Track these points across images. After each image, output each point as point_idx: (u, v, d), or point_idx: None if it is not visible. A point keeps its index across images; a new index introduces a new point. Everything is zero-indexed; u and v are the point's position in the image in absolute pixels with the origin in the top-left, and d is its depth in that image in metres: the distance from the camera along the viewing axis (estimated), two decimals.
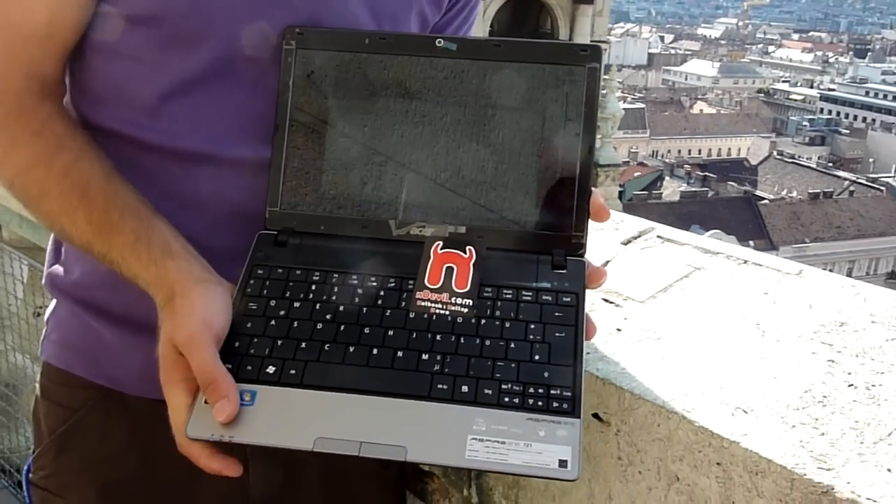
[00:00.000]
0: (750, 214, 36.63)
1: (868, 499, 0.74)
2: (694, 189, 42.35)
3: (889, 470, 0.76)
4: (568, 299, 0.82)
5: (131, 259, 0.84)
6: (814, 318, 1.02)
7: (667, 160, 52.11)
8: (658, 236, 1.28)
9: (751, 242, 32.21)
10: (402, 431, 0.74)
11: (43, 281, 1.08)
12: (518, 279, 0.83)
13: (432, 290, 0.82)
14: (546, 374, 0.76)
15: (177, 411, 0.77)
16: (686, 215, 34.19)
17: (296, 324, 0.81)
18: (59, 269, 1.02)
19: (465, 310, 0.81)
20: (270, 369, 0.78)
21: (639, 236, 1.28)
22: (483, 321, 0.80)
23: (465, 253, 0.84)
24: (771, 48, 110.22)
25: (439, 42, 0.88)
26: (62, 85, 0.95)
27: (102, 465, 1.01)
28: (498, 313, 0.81)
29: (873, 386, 0.88)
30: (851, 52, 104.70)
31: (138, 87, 0.91)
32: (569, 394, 0.75)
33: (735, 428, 0.83)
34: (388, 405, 0.76)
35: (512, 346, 0.78)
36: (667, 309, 1.06)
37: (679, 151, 57.23)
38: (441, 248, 0.85)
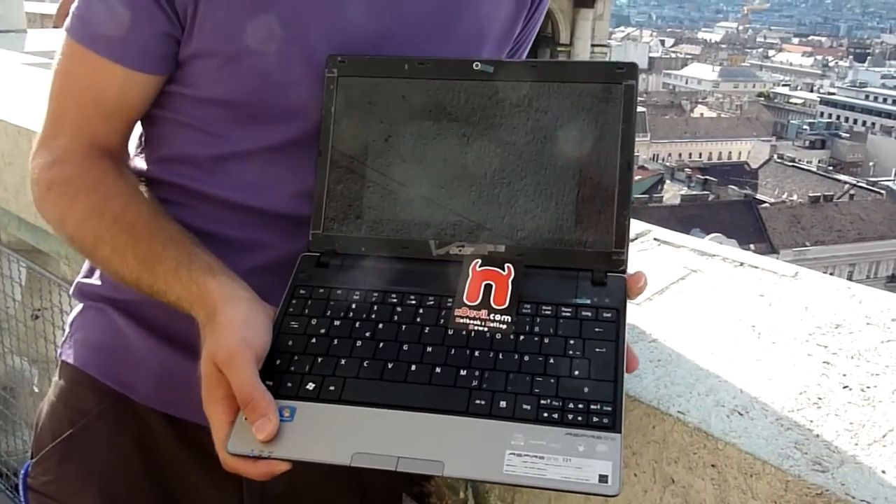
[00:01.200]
0: (750, 218, 36.62)
1: (862, 500, 0.73)
2: (695, 192, 42.33)
3: (884, 472, 0.76)
4: (608, 315, 0.81)
5: (174, 283, 0.85)
6: (809, 319, 1.02)
7: (667, 164, 52.08)
8: (654, 239, 1.29)
9: (751, 246, 32.18)
10: (440, 446, 0.74)
11: (71, 290, 1.09)
12: (557, 296, 0.83)
13: (471, 308, 0.82)
14: (586, 390, 0.75)
15: (218, 428, 0.77)
16: (687, 219, 34.18)
17: (336, 341, 0.82)
18: (93, 280, 1.04)
19: (504, 326, 0.81)
20: (310, 386, 0.79)
21: (635, 239, 1.28)
22: (522, 337, 0.80)
23: (504, 270, 0.84)
24: (771, 52, 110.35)
25: (476, 65, 0.89)
26: (124, 151, 1.00)
27: (107, 473, 1.01)
28: (537, 329, 0.80)
29: (868, 388, 0.88)
30: (851, 56, 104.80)
31: (199, 151, 0.95)
32: (609, 408, 0.74)
33: (730, 430, 0.82)
34: (425, 420, 0.76)
35: (551, 361, 0.78)
36: (663, 311, 1.06)
37: (680, 155, 57.24)
38: (480, 266, 0.85)
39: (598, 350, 0.78)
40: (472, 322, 0.81)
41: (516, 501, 1.04)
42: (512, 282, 0.83)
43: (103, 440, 1.01)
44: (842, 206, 39.62)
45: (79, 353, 1.04)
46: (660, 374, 0.92)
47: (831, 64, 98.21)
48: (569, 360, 0.78)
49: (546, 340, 0.79)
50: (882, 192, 42.13)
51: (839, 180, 45.19)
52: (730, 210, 37.06)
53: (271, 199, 0.95)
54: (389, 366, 0.79)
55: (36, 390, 2.60)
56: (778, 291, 1.10)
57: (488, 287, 0.83)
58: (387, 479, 1.14)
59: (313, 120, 0.92)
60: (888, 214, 38.84)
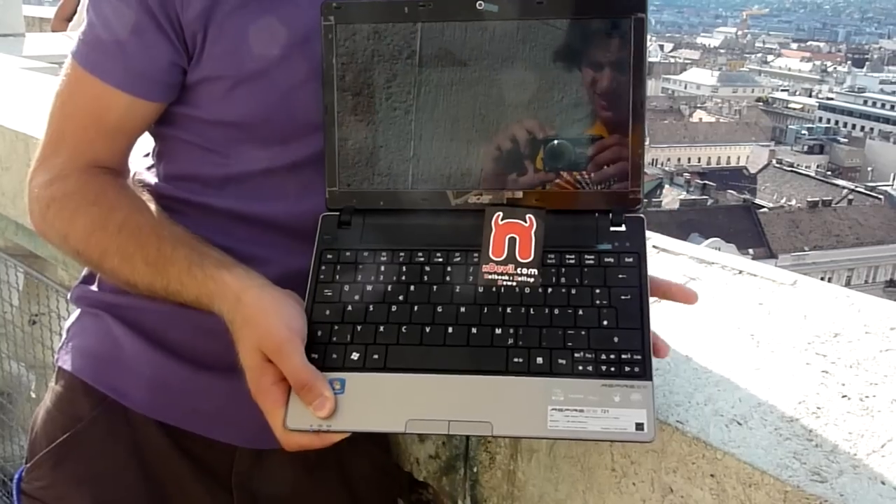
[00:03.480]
0: (749, 222, 36.65)
1: None
2: (693, 197, 42.38)
3: (883, 482, 0.76)
4: (630, 259, 0.82)
5: (188, 282, 0.86)
6: (808, 328, 1.02)
7: (666, 168, 52.14)
8: (653, 247, 1.28)
9: (750, 250, 32.23)
10: (486, 407, 0.76)
11: (69, 295, 1.09)
12: (579, 242, 0.84)
13: (497, 263, 0.83)
14: (616, 339, 0.78)
15: (272, 413, 0.79)
16: (686, 223, 34.21)
17: (371, 308, 0.83)
18: (91, 286, 1.05)
19: (532, 279, 0.82)
20: (354, 356, 0.80)
21: None
22: (550, 290, 0.81)
23: (526, 222, 0.85)
24: (770, 57, 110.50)
25: (480, 4, 0.86)
26: (124, 167, 1.00)
27: (100, 479, 1.01)
28: (563, 280, 0.82)
29: (867, 397, 0.88)
30: (849, 62, 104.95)
31: (208, 171, 0.96)
32: (639, 357, 0.77)
33: (729, 439, 0.82)
34: (469, 383, 0.78)
35: (580, 313, 0.79)
36: (661, 319, 1.05)
37: (679, 159, 57.26)
38: (502, 219, 0.85)
39: (623, 297, 0.80)
40: (500, 277, 0.82)
41: None
42: (535, 233, 0.84)
43: (97, 446, 1.01)
44: (840, 211, 39.68)
45: (75, 360, 1.04)
46: (658, 382, 0.91)
47: (830, 69, 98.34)
48: (596, 311, 0.79)
49: (573, 291, 0.81)
50: (880, 197, 42.18)
51: (837, 185, 45.25)
52: (729, 215, 37.09)
53: (280, 214, 0.95)
54: (427, 329, 0.81)
55: (33, 396, 2.59)
56: (777, 300, 1.10)
57: (512, 240, 0.84)
58: (382, 487, 1.14)
59: (322, 140, 0.91)
60: (886, 219, 38.89)
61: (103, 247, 0.91)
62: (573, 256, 0.83)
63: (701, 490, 0.84)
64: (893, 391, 0.89)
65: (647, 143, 0.83)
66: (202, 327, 0.95)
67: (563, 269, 0.82)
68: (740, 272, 1.19)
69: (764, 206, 40.70)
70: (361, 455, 1.09)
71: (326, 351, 0.80)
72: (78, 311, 1.07)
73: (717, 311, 1.07)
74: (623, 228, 0.84)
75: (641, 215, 0.85)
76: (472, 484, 1.10)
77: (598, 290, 0.80)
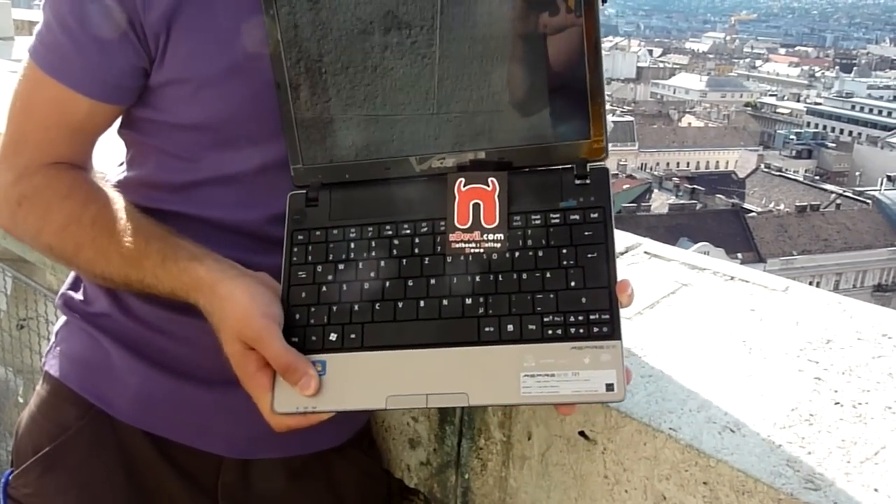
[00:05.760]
0: (738, 227, 36.77)
1: None
2: (682, 201, 42.44)
3: (876, 490, 0.76)
4: (595, 215, 0.81)
5: (163, 276, 0.86)
6: (800, 335, 1.02)
7: (655, 173, 52.21)
8: (645, 252, 1.28)
9: (739, 255, 32.33)
10: (461, 378, 0.77)
11: (56, 301, 1.09)
12: (544, 201, 0.83)
13: (463, 231, 0.83)
14: (584, 300, 0.78)
15: (260, 398, 0.80)
16: (674, 228, 34.29)
17: (344, 287, 0.83)
18: (77, 294, 1.04)
19: (498, 245, 0.81)
20: (333, 336, 0.81)
21: (626, 252, 1.28)
22: (517, 254, 0.81)
23: (489, 185, 0.84)
24: (758, 62, 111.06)
25: None
26: (88, 163, 0.99)
27: (87, 488, 1.01)
28: (530, 242, 0.81)
29: (859, 404, 0.88)
30: (837, 67, 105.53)
31: (173, 177, 0.95)
32: (607, 317, 0.77)
33: (722, 447, 0.82)
34: (443, 355, 0.78)
35: (548, 275, 0.79)
36: (653, 325, 1.05)
37: (667, 164, 57.45)
38: (464, 186, 0.84)
39: (589, 256, 0.80)
40: (467, 245, 0.82)
41: None
42: (498, 196, 0.83)
43: (84, 456, 1.00)
44: (828, 215, 39.84)
45: (62, 365, 1.04)
46: (651, 389, 0.91)
47: (818, 74, 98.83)
48: (564, 272, 0.79)
49: (540, 254, 0.80)
50: (868, 201, 42.33)
51: (826, 190, 45.41)
52: (717, 219, 37.19)
53: (247, 219, 0.94)
54: (400, 305, 0.81)
55: (20, 401, 2.58)
56: (769, 306, 1.10)
57: (476, 206, 0.83)
58: (369, 493, 1.14)
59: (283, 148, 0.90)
60: (874, 224, 39.09)
61: (78, 240, 0.91)
62: (538, 217, 0.82)
63: (694, 498, 0.83)
64: (886, 398, 0.89)
65: (607, 90, 0.79)
66: (186, 339, 0.94)
67: (529, 231, 0.82)
68: (732, 278, 1.19)
69: (752, 211, 40.79)
70: (348, 462, 1.08)
71: (305, 333, 0.81)
72: (64, 317, 1.06)
73: (710, 318, 1.07)
74: (588, 181, 0.83)
75: (605, 166, 0.83)
76: (463, 491, 1.09)
77: (564, 251, 0.80)
